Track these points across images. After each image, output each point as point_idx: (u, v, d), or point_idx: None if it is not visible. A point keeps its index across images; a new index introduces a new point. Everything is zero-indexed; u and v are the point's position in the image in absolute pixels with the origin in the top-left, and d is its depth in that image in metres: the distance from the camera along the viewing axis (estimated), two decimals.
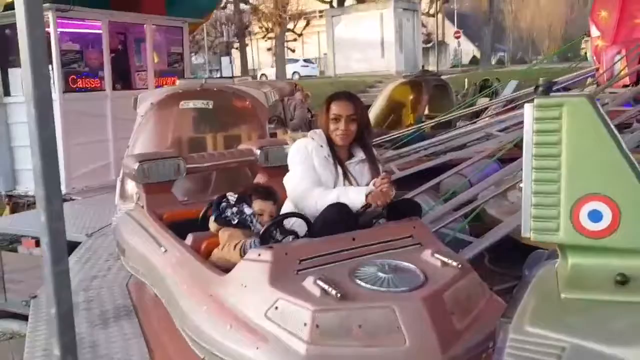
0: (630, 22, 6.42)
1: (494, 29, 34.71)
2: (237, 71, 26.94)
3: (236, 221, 2.63)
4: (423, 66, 11.05)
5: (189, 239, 2.77)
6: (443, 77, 12.06)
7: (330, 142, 2.76)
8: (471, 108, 9.24)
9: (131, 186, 4.52)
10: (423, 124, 8.45)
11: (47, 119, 1.49)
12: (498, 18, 37.90)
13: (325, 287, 1.95)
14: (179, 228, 3.04)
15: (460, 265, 2.16)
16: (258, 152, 3.64)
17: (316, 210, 2.50)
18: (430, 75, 10.81)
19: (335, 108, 2.73)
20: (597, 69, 6.43)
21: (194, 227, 2.98)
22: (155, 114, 4.81)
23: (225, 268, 2.43)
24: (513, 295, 1.90)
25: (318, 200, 2.53)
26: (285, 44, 32.71)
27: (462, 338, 1.96)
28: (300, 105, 8.34)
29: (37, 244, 5.55)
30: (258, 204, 2.70)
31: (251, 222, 2.64)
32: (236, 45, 33.99)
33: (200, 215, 2.96)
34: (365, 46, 24.63)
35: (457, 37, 34.75)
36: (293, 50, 34.24)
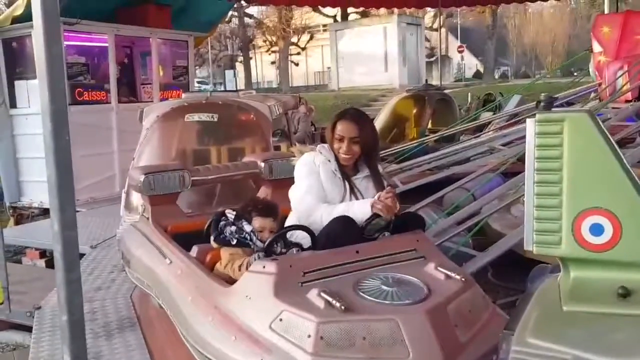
0: (632, 38, 6.47)
1: (497, 43, 34.88)
2: (241, 84, 27.10)
3: (235, 241, 2.63)
4: (426, 80, 11.05)
5: (194, 250, 2.79)
6: (446, 91, 12.10)
7: (337, 158, 2.80)
8: (474, 122, 9.28)
9: (136, 198, 4.54)
10: (426, 137, 8.49)
11: (62, 132, 1.53)
12: (501, 33, 38.09)
13: (329, 299, 1.96)
14: (183, 240, 3.06)
15: (463, 279, 2.18)
16: (262, 164, 3.67)
17: (321, 225, 2.52)
18: (434, 90, 10.84)
19: (339, 128, 2.76)
20: (600, 84, 6.46)
21: (199, 238, 3.00)
22: (160, 127, 4.85)
23: (229, 280, 2.46)
24: (515, 307, 1.92)
25: (324, 215, 2.55)
26: (289, 58, 32.92)
27: (465, 351, 1.97)
28: (304, 119, 8.38)
29: (42, 255, 5.58)
30: (258, 222, 2.70)
31: (251, 239, 2.64)
32: (240, 58, 34.20)
33: (205, 227, 2.98)
34: (369, 60, 24.76)
35: (461, 52, 34.86)
36: (297, 64, 34.49)
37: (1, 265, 4.02)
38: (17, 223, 7.36)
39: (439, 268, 2.25)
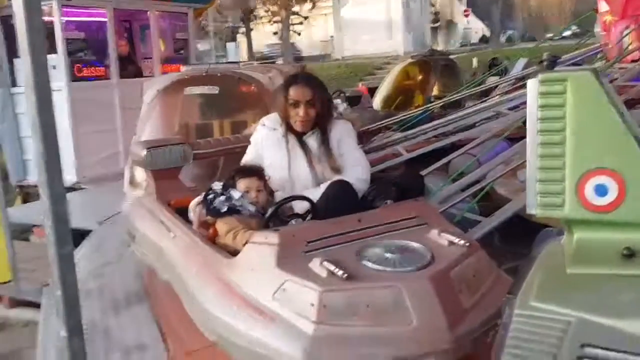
0: None
1: (503, 6, 34.19)
2: (244, 56, 26.86)
3: (225, 209, 2.60)
4: (431, 46, 10.86)
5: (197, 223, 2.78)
6: (452, 56, 11.92)
7: (288, 125, 2.78)
8: (479, 87, 9.15)
9: (140, 174, 4.54)
10: (431, 104, 8.39)
11: (46, 104, 1.52)
12: None
13: (332, 268, 1.95)
14: (187, 214, 3.06)
15: (467, 244, 2.16)
16: None
17: None
18: (439, 55, 10.69)
19: (293, 93, 2.71)
20: (606, 44, 6.33)
21: None
22: (161, 101, 4.82)
23: (232, 253, 2.45)
24: (519, 271, 1.90)
25: None
26: (292, 27, 32.50)
27: (469, 316, 1.96)
28: None
29: None
30: (243, 183, 2.68)
31: (241, 205, 2.62)
32: (242, 30, 33.70)
33: None
34: (373, 27, 24.40)
35: (466, 16, 34.29)
36: (299, 34, 34.03)
37: (8, 243, 4.05)
38: (24, 201, 7.38)
39: (442, 234, 2.23)
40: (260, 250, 2.17)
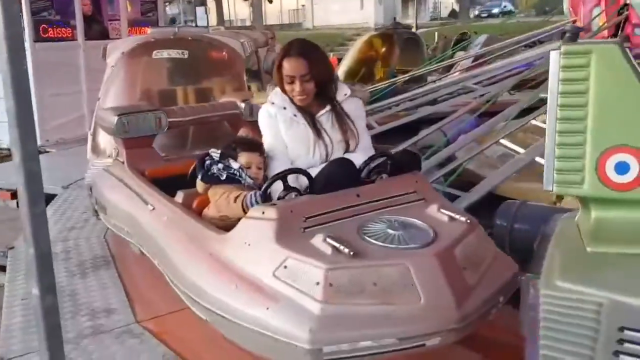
0: None
1: None
2: (213, 22, 26.14)
3: (224, 176, 2.47)
4: (395, 18, 10.76)
5: (179, 196, 2.64)
6: (421, 30, 11.88)
7: (292, 100, 2.61)
8: (443, 63, 9.16)
9: (104, 141, 4.31)
10: (398, 78, 8.34)
11: (19, 59, 1.41)
12: None
13: (336, 244, 1.87)
14: (162, 185, 2.91)
15: (468, 220, 2.12)
16: (242, 105, 3.49)
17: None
18: (402, 28, 10.60)
19: (287, 67, 2.53)
20: (574, 22, 6.41)
21: (179, 184, 2.85)
22: (126, 64, 4.55)
23: (221, 226, 2.34)
24: (535, 250, 1.87)
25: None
26: None
27: (474, 293, 1.92)
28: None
29: (13, 196, 5.35)
30: (244, 157, 2.55)
31: (240, 176, 2.50)
32: None
33: (189, 172, 2.82)
34: None
35: None
36: (270, 2, 33.09)
37: None
38: None
39: (441, 210, 2.18)
40: (257, 225, 2.06)
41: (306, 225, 2.04)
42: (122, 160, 3.20)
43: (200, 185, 2.55)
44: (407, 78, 8.41)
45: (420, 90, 7.10)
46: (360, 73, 10.31)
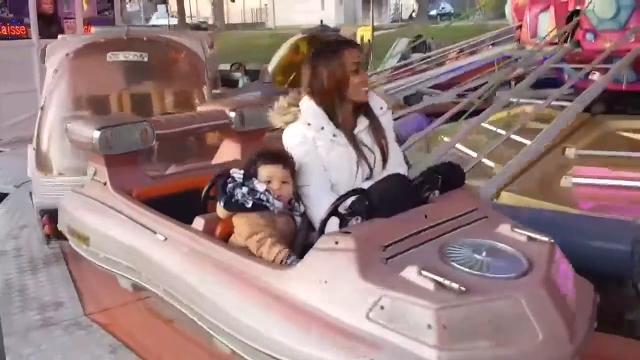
0: None
1: None
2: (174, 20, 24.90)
3: (250, 203, 2.12)
4: (322, 21, 10.58)
5: (199, 222, 2.25)
6: (378, 32, 11.86)
7: (332, 115, 2.27)
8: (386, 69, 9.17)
9: (55, 156, 3.77)
10: None
11: None
12: None
13: (438, 279, 1.63)
14: (155, 208, 2.52)
15: (550, 240, 1.96)
16: (232, 114, 3.12)
17: (311, 218, 2.21)
18: (331, 31, 10.44)
19: (351, 57, 2.20)
20: (519, 27, 6.58)
21: (171, 206, 2.49)
22: (71, 68, 4.00)
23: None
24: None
25: (317, 214, 2.16)
26: None
27: (577, 322, 1.77)
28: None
29: None
30: (265, 170, 2.19)
31: (267, 200, 2.16)
32: None
33: (203, 194, 2.45)
34: None
35: None
36: (233, 0, 32.06)
37: None
38: None
39: (515, 230, 2.01)
40: (332, 258, 1.76)
41: (387, 255, 1.78)
42: (102, 180, 2.74)
43: (221, 212, 2.20)
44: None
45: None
46: (291, 78, 10.07)
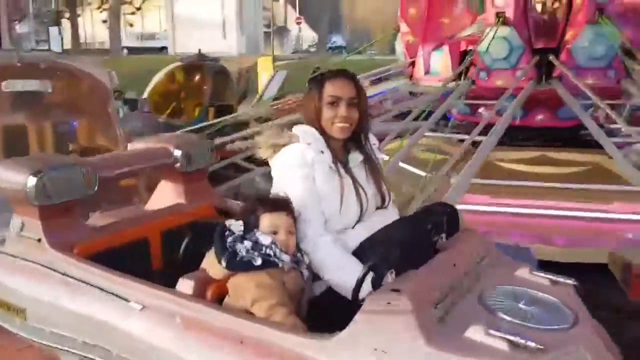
0: (436, 21, 7.02)
1: (334, 18, 35.71)
2: (68, 44, 22.94)
3: (259, 261, 1.84)
4: (200, 50, 10.20)
5: (187, 285, 1.89)
6: (280, 62, 11.61)
7: (328, 145, 2.13)
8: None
9: None
10: (230, 115, 7.94)
11: None
12: (337, 7, 39.19)
13: (512, 338, 1.51)
14: (104, 264, 2.12)
15: (574, 282, 1.94)
16: (177, 153, 2.75)
17: (315, 265, 1.98)
18: (209, 61, 10.13)
19: (331, 89, 2.10)
20: (412, 64, 6.87)
21: (124, 263, 2.13)
22: None
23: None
24: None
25: (324, 259, 1.97)
26: (124, 17, 30.11)
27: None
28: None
29: None
30: (268, 219, 1.93)
31: (275, 255, 1.90)
32: (68, 15, 29.71)
33: (182, 249, 2.10)
34: (207, 25, 23.47)
35: (298, 24, 35.98)
36: (131, 25, 30.86)
37: None
38: None
39: (534, 273, 1.97)
40: (386, 322, 1.56)
41: (439, 314, 1.63)
42: (35, 237, 2.23)
43: (221, 271, 1.89)
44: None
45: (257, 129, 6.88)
46: (170, 107, 9.59)
